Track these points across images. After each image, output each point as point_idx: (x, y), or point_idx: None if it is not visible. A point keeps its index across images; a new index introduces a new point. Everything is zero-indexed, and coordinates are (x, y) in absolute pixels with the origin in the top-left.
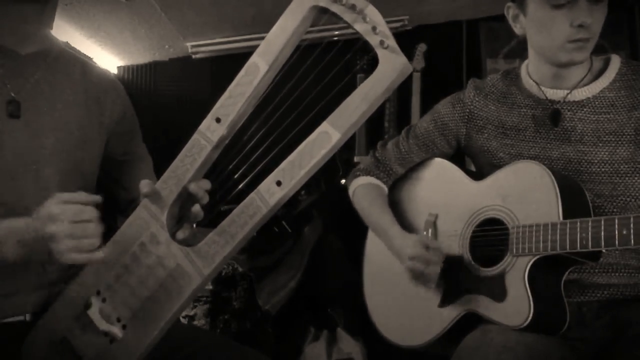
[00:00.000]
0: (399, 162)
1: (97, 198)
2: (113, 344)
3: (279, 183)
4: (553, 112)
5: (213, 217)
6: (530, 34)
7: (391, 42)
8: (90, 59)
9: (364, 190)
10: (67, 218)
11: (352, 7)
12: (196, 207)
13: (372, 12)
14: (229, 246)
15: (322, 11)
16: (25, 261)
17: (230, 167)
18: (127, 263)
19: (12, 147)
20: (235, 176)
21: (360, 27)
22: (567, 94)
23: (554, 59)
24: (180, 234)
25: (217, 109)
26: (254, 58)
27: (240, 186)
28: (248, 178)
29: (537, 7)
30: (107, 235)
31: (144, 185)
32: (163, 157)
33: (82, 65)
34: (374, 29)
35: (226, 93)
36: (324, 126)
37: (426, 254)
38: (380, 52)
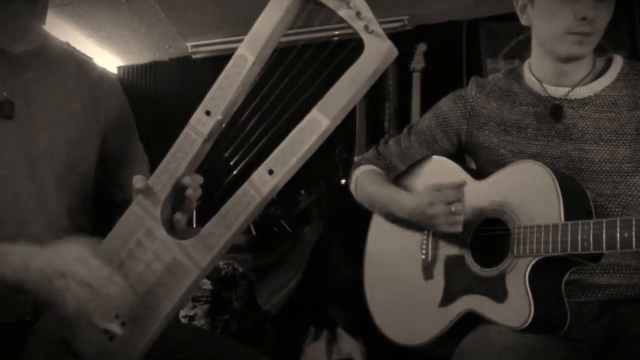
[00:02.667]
0: (399, 157)
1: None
2: (113, 341)
3: (271, 172)
4: (554, 108)
5: (209, 214)
6: (535, 25)
7: (375, 26)
8: (91, 58)
9: (367, 174)
10: (89, 266)
11: None
12: (189, 192)
13: None
14: (225, 237)
15: (306, 0)
16: (20, 289)
17: (222, 159)
18: (124, 260)
19: (6, 148)
20: (229, 165)
21: (344, 13)
22: (569, 91)
23: (554, 51)
24: (178, 216)
25: (206, 102)
26: (240, 50)
27: (232, 173)
28: (238, 168)
29: None
30: (103, 234)
31: (137, 181)
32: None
33: (76, 62)
34: (358, 14)
35: (215, 85)
36: (313, 113)
37: (444, 192)
38: (366, 37)
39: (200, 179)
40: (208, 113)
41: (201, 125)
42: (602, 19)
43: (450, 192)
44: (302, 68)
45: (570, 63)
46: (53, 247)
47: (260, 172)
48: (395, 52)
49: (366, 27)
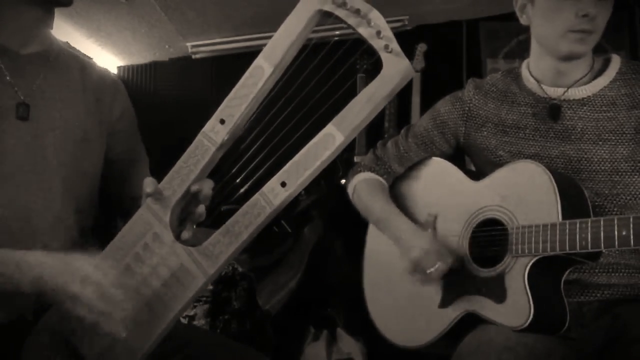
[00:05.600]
0: (397, 160)
1: (130, 284)
2: (116, 343)
3: (283, 184)
4: (552, 107)
5: (214, 217)
6: (535, 24)
7: (395, 46)
8: (91, 58)
9: (365, 184)
10: (95, 288)
11: (357, 12)
12: (201, 208)
13: (376, 17)
14: (233, 246)
15: (327, 15)
16: (36, 294)
17: (234, 169)
18: (130, 263)
19: (15, 148)
20: (238, 180)
21: (364, 31)
22: (565, 91)
23: (555, 49)
24: (185, 234)
25: (221, 110)
26: (258, 60)
27: (243, 188)
28: (251, 181)
29: None
30: (108, 236)
31: (148, 185)
32: (163, 156)
33: (80, 64)
34: (378, 33)
35: (231, 94)
36: (329, 128)
37: (433, 260)
38: (385, 56)
39: (211, 185)
40: (222, 122)
41: (215, 134)
42: (602, 17)
43: (439, 261)
44: (310, 70)
45: (570, 62)
46: (68, 260)
47: (272, 184)
48: (412, 72)
49: (386, 47)
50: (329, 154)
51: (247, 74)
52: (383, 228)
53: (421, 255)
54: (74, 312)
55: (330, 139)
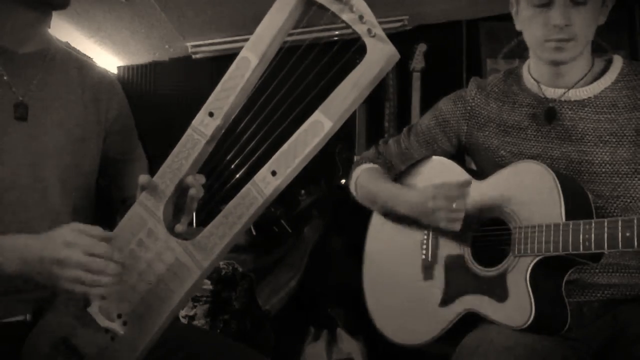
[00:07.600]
0: (399, 158)
1: (111, 235)
2: (115, 340)
3: (274, 173)
4: (548, 110)
5: (210, 215)
6: (522, 31)
7: (378, 30)
8: (90, 58)
9: (368, 172)
10: (81, 248)
11: None
12: (191, 192)
13: (359, 3)
14: (227, 237)
15: (309, 3)
16: (24, 278)
17: (225, 161)
18: (126, 260)
19: (13, 148)
20: (231, 166)
21: (347, 17)
22: (564, 92)
23: (540, 56)
24: (179, 227)
25: (209, 103)
26: (244, 52)
27: (236, 176)
28: (242, 171)
29: (524, 5)
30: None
31: (142, 178)
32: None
33: (78, 63)
34: (360, 18)
35: (218, 87)
36: (316, 115)
37: (447, 187)
38: (368, 41)
39: (202, 179)
40: (211, 114)
41: (204, 127)
42: (579, 24)
43: (454, 188)
44: (304, 68)
45: (562, 66)
46: (47, 234)
47: (263, 174)
48: (397, 56)
49: (369, 31)
50: (318, 140)
51: (233, 66)
52: (393, 206)
53: (435, 194)
54: (64, 284)
55: (319, 125)
